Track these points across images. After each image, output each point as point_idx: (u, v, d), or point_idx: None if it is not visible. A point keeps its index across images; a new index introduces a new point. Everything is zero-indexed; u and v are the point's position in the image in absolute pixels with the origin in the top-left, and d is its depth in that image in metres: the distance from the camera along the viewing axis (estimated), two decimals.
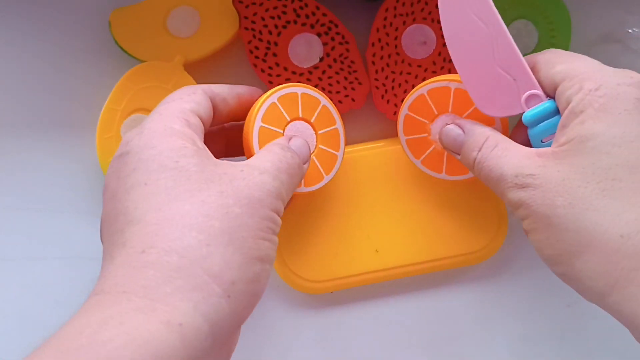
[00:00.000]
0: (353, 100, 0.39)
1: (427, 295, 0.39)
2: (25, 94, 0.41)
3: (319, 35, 0.38)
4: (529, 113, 0.29)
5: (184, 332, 0.21)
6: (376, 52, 0.38)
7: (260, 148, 0.32)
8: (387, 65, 0.39)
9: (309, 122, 0.35)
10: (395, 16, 0.38)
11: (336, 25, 0.38)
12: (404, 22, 0.39)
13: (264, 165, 0.27)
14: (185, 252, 0.23)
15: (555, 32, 0.39)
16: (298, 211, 0.38)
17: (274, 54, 0.39)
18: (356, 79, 0.39)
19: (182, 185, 0.24)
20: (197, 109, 0.28)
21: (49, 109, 0.41)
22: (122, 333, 0.20)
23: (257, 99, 0.34)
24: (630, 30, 0.42)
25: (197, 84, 0.40)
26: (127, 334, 0.20)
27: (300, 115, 0.35)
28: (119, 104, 0.38)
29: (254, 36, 0.38)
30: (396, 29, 0.38)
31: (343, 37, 0.38)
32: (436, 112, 0.36)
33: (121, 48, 0.39)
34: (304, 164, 0.31)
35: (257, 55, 0.39)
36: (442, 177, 0.37)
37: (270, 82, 0.39)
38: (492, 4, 0.29)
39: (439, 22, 0.38)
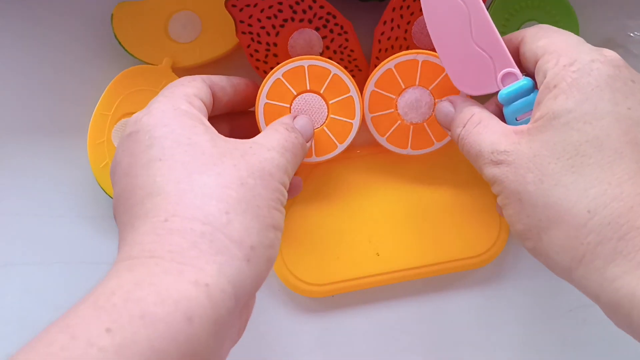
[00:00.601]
0: None
1: (428, 299, 0.39)
2: (23, 98, 0.41)
3: (317, 29, 0.38)
4: (505, 91, 0.29)
5: (210, 291, 0.22)
6: (385, 31, 0.38)
7: (266, 125, 0.35)
8: (392, 47, 0.38)
9: (318, 93, 0.36)
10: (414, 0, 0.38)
11: (334, 17, 0.38)
12: (421, 9, 0.38)
13: (271, 143, 0.29)
14: (207, 219, 0.24)
15: None
16: (299, 214, 0.38)
17: (275, 55, 0.38)
18: (356, 66, 0.39)
19: (198, 160, 0.26)
20: (199, 94, 0.29)
21: (47, 113, 0.40)
22: (154, 292, 0.21)
23: (252, 90, 0.35)
24: (632, 34, 0.42)
25: None
26: (158, 294, 0.21)
27: (308, 88, 0.35)
28: (109, 109, 0.38)
29: (252, 39, 0.38)
30: (411, 14, 0.38)
31: (342, 28, 0.38)
32: (403, 86, 0.36)
33: (120, 43, 0.39)
34: (307, 142, 0.33)
35: (258, 58, 0.38)
36: (406, 152, 0.38)
37: None
38: None
39: None
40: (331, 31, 0.38)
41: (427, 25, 0.31)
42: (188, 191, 0.24)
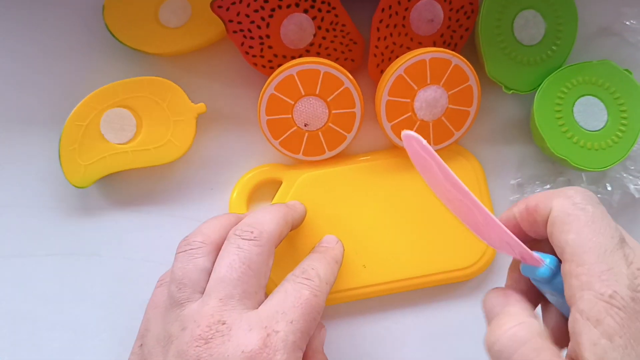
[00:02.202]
0: (352, 60, 0.39)
1: (416, 311, 0.39)
2: (15, 89, 0.40)
3: (305, 11, 0.37)
4: (531, 275, 0.26)
5: None
6: (383, 18, 0.37)
7: (274, 138, 0.37)
8: (391, 35, 0.38)
9: (314, 95, 0.36)
10: None
11: None
12: None
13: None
14: None
15: (562, 25, 0.38)
16: None
17: (269, 47, 0.38)
18: (351, 40, 0.39)
19: None
20: None
21: (38, 103, 0.40)
22: None
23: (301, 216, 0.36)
24: (628, 23, 0.41)
25: (189, 79, 0.40)
26: None
27: (303, 93, 0.36)
28: (99, 104, 0.37)
29: (245, 36, 0.37)
30: (409, 0, 0.38)
31: (329, 5, 0.37)
32: (429, 81, 0.36)
33: (110, 33, 0.38)
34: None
35: (254, 54, 0.38)
36: (402, 144, 0.37)
37: None
38: (457, 180, 0.26)
39: (450, 2, 0.38)
40: (319, 10, 0.37)
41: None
42: None
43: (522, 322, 0.24)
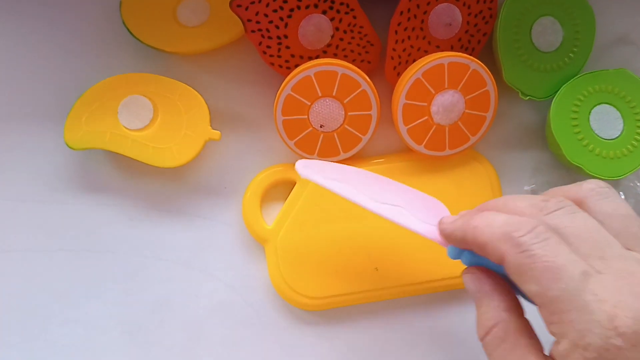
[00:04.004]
0: (369, 62, 0.39)
1: (427, 314, 0.39)
2: (29, 84, 0.40)
3: (324, 12, 0.38)
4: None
5: None
6: (402, 21, 0.38)
7: (289, 138, 0.37)
8: (409, 37, 0.38)
9: (331, 96, 0.36)
10: None
11: None
12: None
13: None
14: None
15: (579, 33, 0.39)
16: (298, 227, 0.37)
17: (287, 47, 0.38)
18: (368, 42, 0.39)
19: None
20: None
21: (54, 99, 0.40)
22: None
23: None
24: None
25: (206, 78, 0.40)
26: None
27: (320, 95, 0.36)
28: (113, 90, 0.38)
29: (263, 36, 0.37)
30: (428, 3, 0.38)
31: (347, 6, 0.38)
32: (446, 85, 0.36)
33: (128, 30, 0.38)
34: None
35: (272, 54, 0.38)
36: (418, 149, 0.38)
37: None
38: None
39: (469, 7, 0.38)
40: (338, 11, 0.38)
41: None
42: None
43: (499, 322, 0.26)
